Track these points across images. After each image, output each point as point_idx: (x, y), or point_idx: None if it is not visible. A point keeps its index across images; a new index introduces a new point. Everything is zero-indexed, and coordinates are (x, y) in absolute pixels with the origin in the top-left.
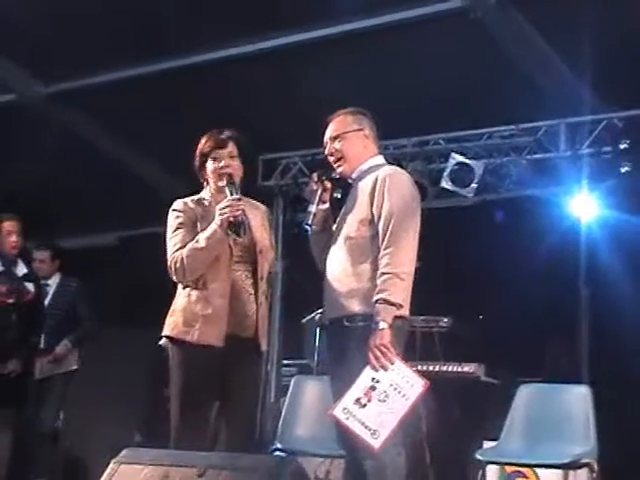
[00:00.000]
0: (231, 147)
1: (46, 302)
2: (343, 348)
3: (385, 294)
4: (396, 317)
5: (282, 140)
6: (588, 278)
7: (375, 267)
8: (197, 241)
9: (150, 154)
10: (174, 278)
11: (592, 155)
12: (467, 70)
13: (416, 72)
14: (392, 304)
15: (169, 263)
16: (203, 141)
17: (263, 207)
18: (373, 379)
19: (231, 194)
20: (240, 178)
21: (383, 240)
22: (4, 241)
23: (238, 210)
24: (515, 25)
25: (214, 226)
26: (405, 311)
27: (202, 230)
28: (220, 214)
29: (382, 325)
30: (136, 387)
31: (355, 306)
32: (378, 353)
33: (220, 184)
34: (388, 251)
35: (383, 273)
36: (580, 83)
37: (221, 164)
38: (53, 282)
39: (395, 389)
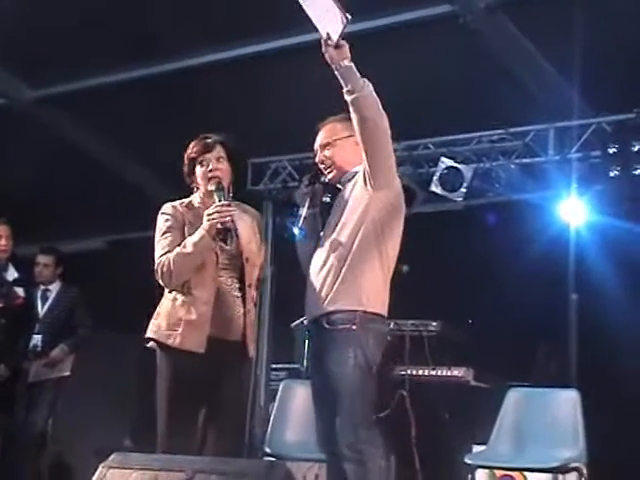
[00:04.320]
0: (218, 150)
1: (45, 307)
2: (321, 350)
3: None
4: (373, 316)
5: (271, 144)
6: (577, 282)
7: (357, 272)
8: (184, 246)
9: (138, 158)
10: (160, 282)
11: (581, 159)
12: (456, 74)
13: (404, 77)
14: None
15: (156, 267)
16: (191, 146)
17: (253, 212)
18: None
19: (219, 200)
20: (230, 181)
21: None
22: None
23: (227, 216)
24: (504, 30)
25: (202, 231)
26: (380, 308)
27: (190, 235)
28: (208, 220)
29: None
30: (124, 391)
31: (335, 304)
32: None
33: (209, 188)
34: None
35: None
36: (569, 87)
37: (209, 168)
38: (54, 288)
39: None
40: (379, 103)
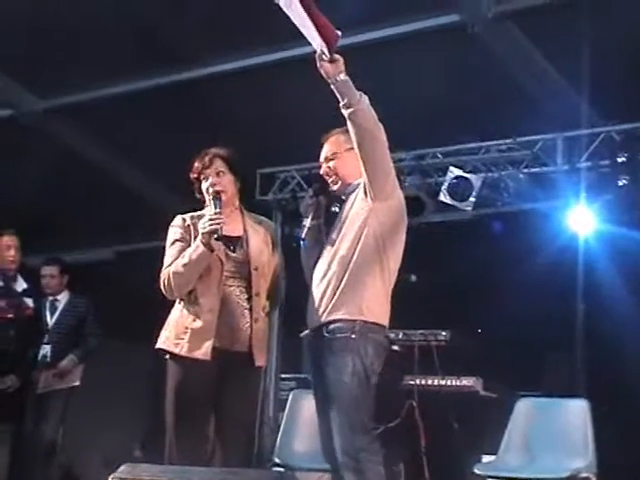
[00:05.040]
0: (217, 164)
1: (54, 318)
2: (320, 358)
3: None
4: (372, 326)
5: (280, 154)
6: (586, 292)
7: (358, 283)
8: (182, 257)
9: (146, 168)
10: (165, 294)
11: (590, 169)
12: (464, 84)
13: (413, 86)
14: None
15: (161, 279)
16: (194, 165)
17: (268, 223)
18: None
19: (215, 208)
20: (235, 191)
21: None
22: (3, 256)
23: (219, 224)
24: (512, 39)
25: (197, 242)
26: (382, 319)
27: None
28: (201, 228)
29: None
30: (134, 401)
31: (335, 314)
32: None
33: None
34: None
35: None
36: (578, 96)
37: (208, 183)
38: (62, 298)
39: None
40: (375, 116)
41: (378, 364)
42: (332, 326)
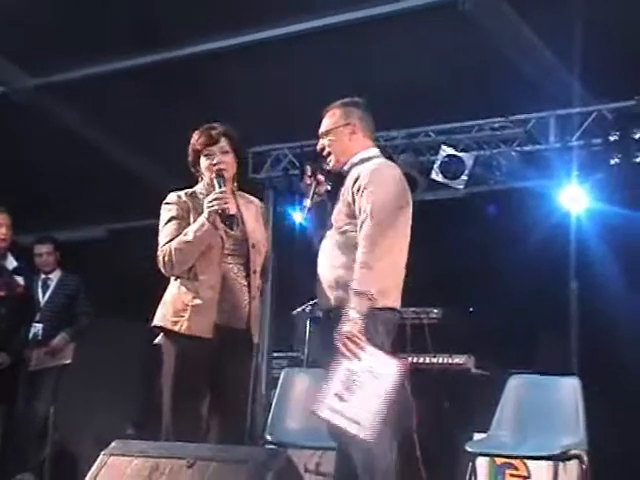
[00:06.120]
0: (223, 143)
1: (46, 296)
2: (332, 338)
3: (355, 283)
4: (383, 309)
5: (272, 132)
6: (578, 270)
7: (368, 262)
8: (186, 234)
9: (140, 146)
10: (162, 270)
11: (582, 147)
12: (456, 62)
13: (405, 64)
14: (361, 293)
15: (158, 256)
16: (195, 137)
17: (257, 201)
18: (348, 370)
19: (219, 186)
20: (235, 172)
21: (361, 233)
22: None
23: (226, 203)
24: (504, 17)
25: (202, 219)
26: (392, 302)
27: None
28: (208, 207)
29: (352, 314)
30: (127, 379)
31: (343, 297)
32: (348, 342)
33: (211, 177)
34: (363, 244)
35: (358, 263)
36: (570, 75)
37: (214, 161)
38: (54, 277)
39: (371, 374)
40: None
41: (388, 342)
42: (342, 308)
